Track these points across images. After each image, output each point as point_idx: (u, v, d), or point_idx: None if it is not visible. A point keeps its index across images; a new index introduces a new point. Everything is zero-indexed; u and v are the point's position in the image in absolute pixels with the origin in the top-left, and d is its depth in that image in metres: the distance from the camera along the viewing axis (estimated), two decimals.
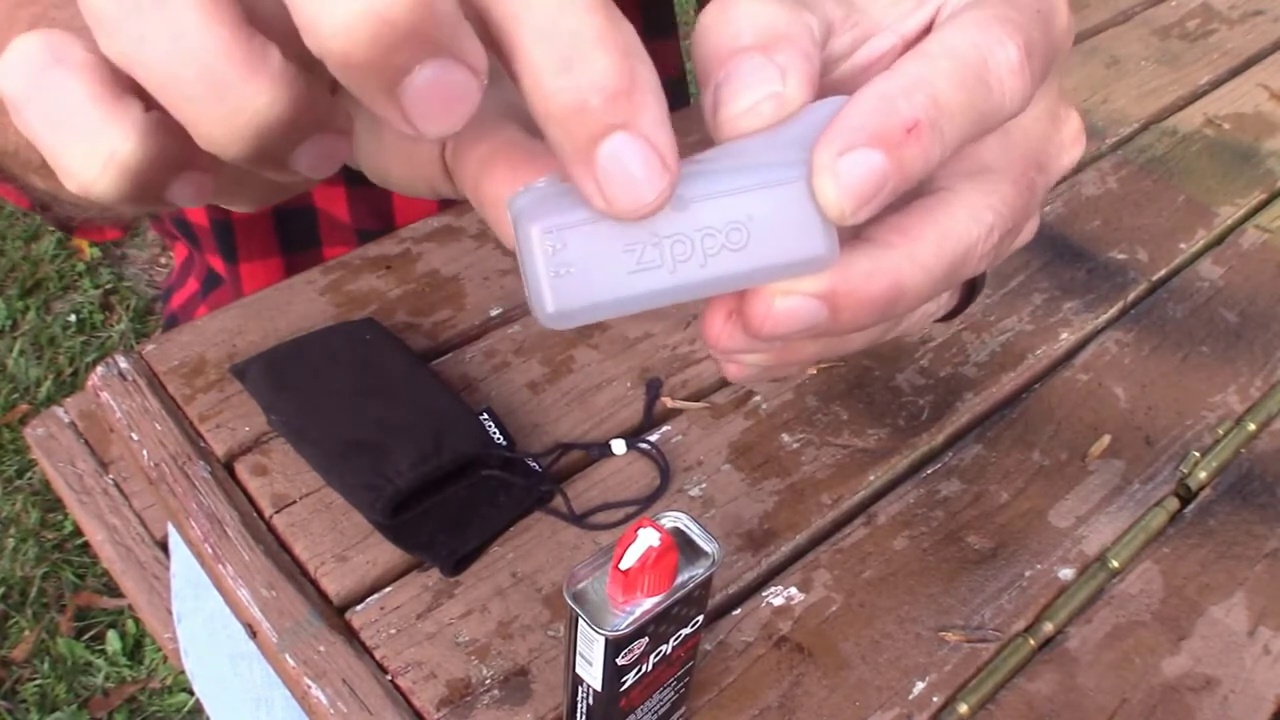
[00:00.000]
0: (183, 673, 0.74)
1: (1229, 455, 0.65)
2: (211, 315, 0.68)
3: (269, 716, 0.68)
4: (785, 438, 0.64)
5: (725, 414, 0.65)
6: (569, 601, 0.42)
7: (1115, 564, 0.58)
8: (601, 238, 0.25)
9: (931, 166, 0.25)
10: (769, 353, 0.30)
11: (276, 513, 0.58)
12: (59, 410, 0.72)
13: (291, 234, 0.84)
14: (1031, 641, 0.54)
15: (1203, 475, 0.63)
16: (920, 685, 0.53)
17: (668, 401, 0.65)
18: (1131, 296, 0.75)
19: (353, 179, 0.83)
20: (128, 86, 0.23)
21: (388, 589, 0.55)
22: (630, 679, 0.44)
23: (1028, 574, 0.58)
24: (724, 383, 0.67)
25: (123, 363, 0.65)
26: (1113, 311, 0.74)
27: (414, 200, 0.85)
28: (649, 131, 0.23)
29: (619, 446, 0.62)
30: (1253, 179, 0.86)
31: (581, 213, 0.24)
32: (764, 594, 0.56)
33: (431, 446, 0.58)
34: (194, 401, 0.63)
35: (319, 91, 0.24)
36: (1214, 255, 0.79)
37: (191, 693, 1.41)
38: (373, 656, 0.52)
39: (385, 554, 0.56)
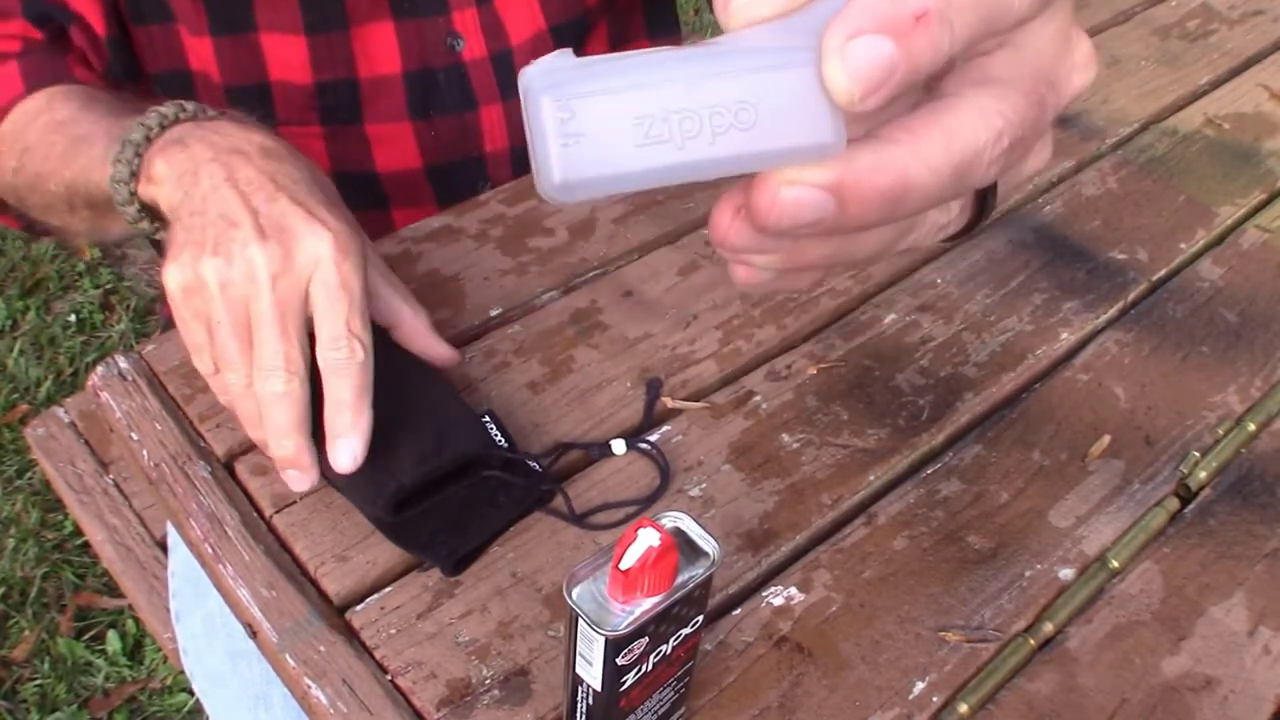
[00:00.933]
0: (182, 673, 0.74)
1: (1229, 455, 0.65)
2: None
3: (268, 715, 0.68)
4: (785, 438, 0.64)
5: (725, 414, 0.65)
6: (569, 601, 0.42)
7: (1115, 564, 0.58)
8: (611, 110, 0.25)
9: (940, 59, 0.26)
10: (777, 253, 0.30)
11: (276, 513, 0.58)
12: (59, 410, 0.72)
13: None
14: (1031, 641, 0.54)
15: (1203, 475, 0.63)
16: (920, 685, 0.53)
17: (668, 401, 0.65)
18: (1131, 296, 0.75)
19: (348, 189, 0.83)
20: None
21: (388, 589, 0.55)
22: (630, 679, 0.44)
23: (1028, 574, 0.58)
24: (724, 382, 0.67)
25: (123, 363, 0.65)
26: (1113, 311, 0.74)
27: (414, 200, 0.85)
28: None
29: (619, 446, 0.62)
30: (1253, 179, 0.86)
31: (593, 84, 0.24)
32: (764, 594, 0.56)
33: (433, 446, 0.58)
34: (194, 401, 0.63)
35: None
36: (1214, 255, 0.79)
37: (191, 693, 1.41)
38: (373, 656, 0.52)
39: (385, 554, 0.56)
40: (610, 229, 0.77)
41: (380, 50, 0.78)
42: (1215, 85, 0.97)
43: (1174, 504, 0.62)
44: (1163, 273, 0.77)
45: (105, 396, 0.63)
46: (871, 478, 0.62)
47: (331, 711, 0.50)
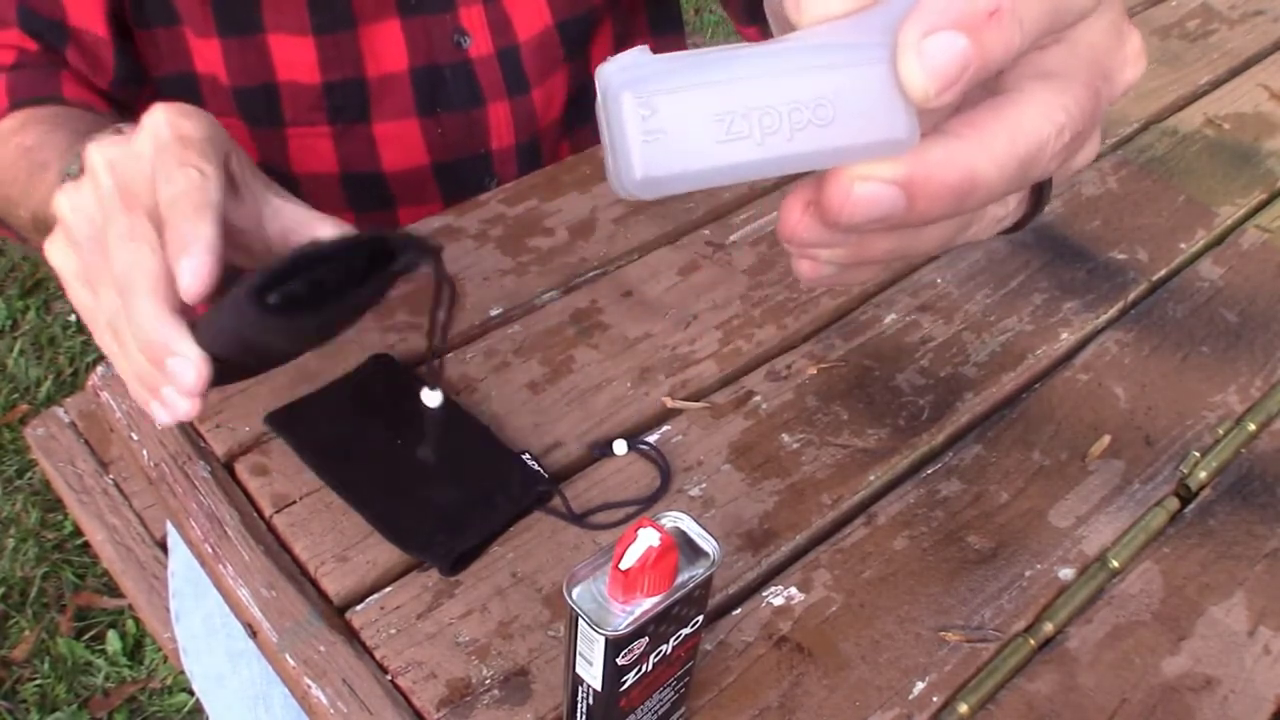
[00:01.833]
0: (182, 673, 0.74)
1: (1229, 455, 0.65)
2: None
3: (267, 714, 0.68)
4: (785, 438, 0.64)
5: (725, 414, 0.65)
6: (569, 601, 0.42)
7: (1115, 564, 0.58)
8: (693, 106, 0.25)
9: (1011, 54, 0.26)
10: (844, 247, 0.30)
11: (276, 513, 0.58)
12: (59, 410, 0.72)
13: None
14: (1031, 641, 0.54)
15: (1203, 475, 0.63)
16: (920, 685, 0.53)
17: (668, 401, 0.65)
18: (1131, 296, 0.75)
19: (352, 187, 0.83)
20: None
21: (388, 589, 0.55)
22: (630, 679, 0.44)
23: (1028, 574, 0.58)
24: (724, 382, 0.67)
25: None
26: (1113, 311, 0.74)
27: (420, 198, 0.85)
28: None
29: (619, 447, 0.62)
30: (1253, 179, 0.86)
31: (673, 81, 0.25)
32: (764, 594, 0.56)
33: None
34: None
35: None
36: (1214, 255, 0.79)
37: (191, 693, 1.41)
38: (373, 656, 0.52)
39: (385, 554, 0.56)
40: (610, 229, 0.77)
41: (387, 48, 0.78)
42: (1215, 85, 0.97)
43: (1174, 504, 0.62)
44: (1163, 273, 0.77)
45: (105, 396, 0.63)
46: (871, 478, 0.62)
47: (331, 711, 0.50)
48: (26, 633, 1.47)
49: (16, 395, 1.77)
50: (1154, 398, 0.68)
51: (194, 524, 0.57)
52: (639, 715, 0.47)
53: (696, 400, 0.66)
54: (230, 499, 0.58)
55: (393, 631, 0.53)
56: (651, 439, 0.63)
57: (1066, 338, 0.72)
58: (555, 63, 0.84)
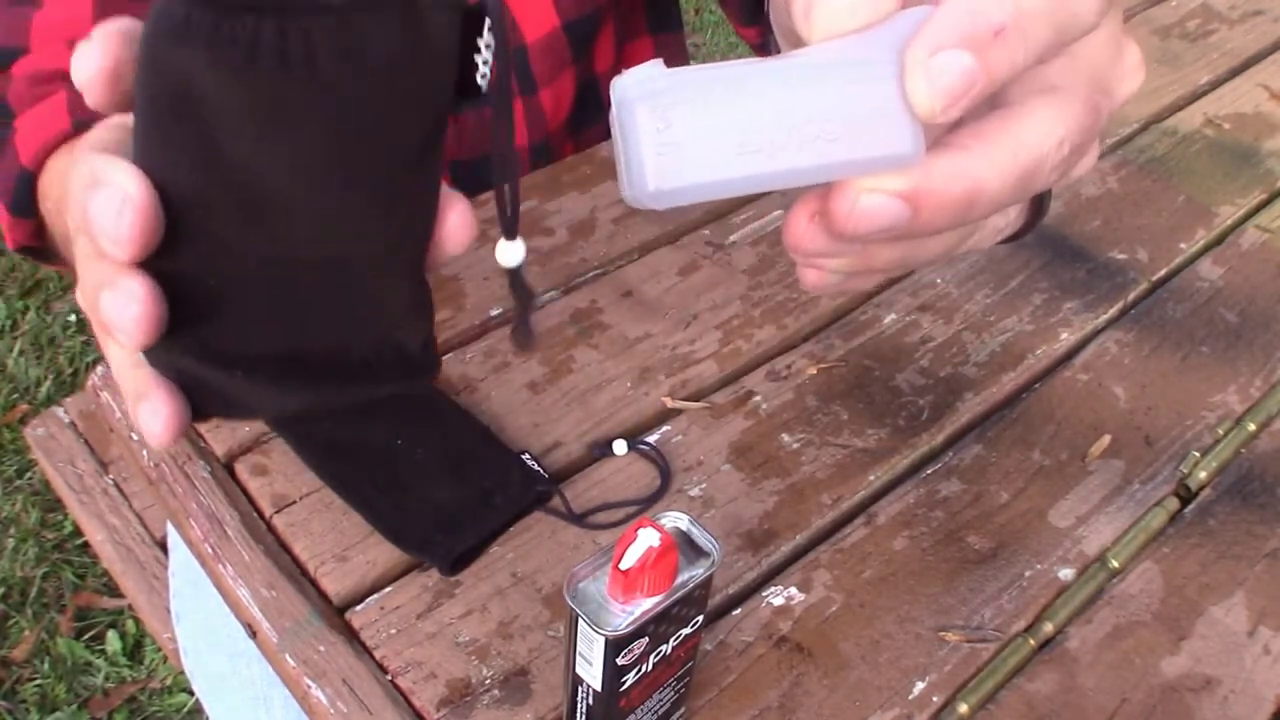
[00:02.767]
0: (182, 673, 0.74)
1: (1229, 455, 0.65)
2: None
3: (268, 715, 0.68)
4: (785, 438, 0.64)
5: (725, 414, 0.65)
6: (569, 601, 0.42)
7: (1115, 564, 0.58)
8: (707, 120, 0.25)
9: (1016, 71, 0.27)
10: (849, 257, 0.31)
11: (276, 513, 0.58)
12: (59, 410, 0.72)
13: None
14: (1031, 641, 0.54)
15: (1203, 475, 0.63)
16: (920, 685, 0.53)
17: (668, 401, 0.65)
18: (1131, 296, 0.75)
19: None
20: None
21: (388, 589, 0.55)
22: (630, 679, 0.44)
23: (1028, 574, 0.58)
24: (724, 383, 0.67)
25: None
26: (1113, 311, 0.74)
27: None
28: None
29: (619, 447, 0.62)
30: (1253, 179, 0.86)
31: (687, 95, 0.25)
32: (764, 594, 0.56)
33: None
34: None
35: None
36: (1214, 255, 0.79)
37: (191, 693, 1.41)
38: (373, 656, 0.52)
39: (385, 554, 0.56)
40: (610, 229, 0.77)
41: None
42: (1215, 85, 0.97)
43: (1174, 504, 0.62)
44: (1163, 273, 0.77)
45: (105, 396, 0.63)
46: (871, 478, 0.62)
47: (331, 711, 0.50)
48: (26, 633, 1.47)
49: (16, 395, 1.77)
50: (1154, 398, 0.68)
51: (194, 524, 0.57)
52: (639, 715, 0.47)
53: (696, 400, 0.66)
54: (230, 499, 0.58)
55: (393, 631, 0.53)
56: (651, 439, 0.63)
57: (1066, 338, 0.72)
58: (563, 64, 0.84)
